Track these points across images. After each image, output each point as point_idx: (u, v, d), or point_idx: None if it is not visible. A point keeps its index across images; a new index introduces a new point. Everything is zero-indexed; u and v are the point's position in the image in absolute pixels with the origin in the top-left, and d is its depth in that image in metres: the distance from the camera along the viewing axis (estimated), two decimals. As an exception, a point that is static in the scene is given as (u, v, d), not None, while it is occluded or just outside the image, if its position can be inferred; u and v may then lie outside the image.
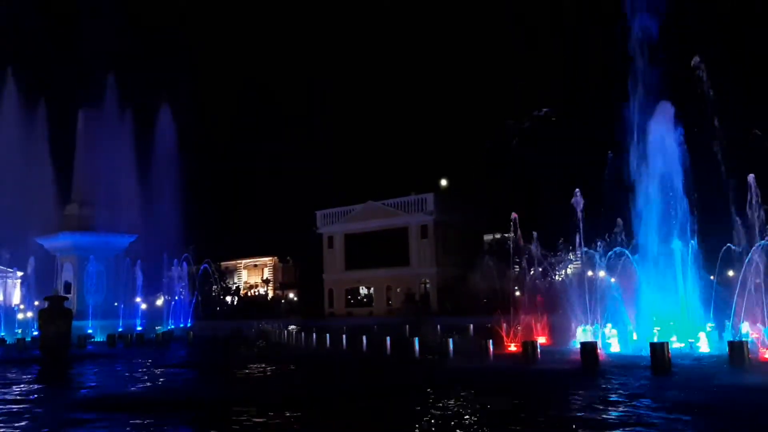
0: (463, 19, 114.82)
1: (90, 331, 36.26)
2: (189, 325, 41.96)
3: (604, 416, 10.96)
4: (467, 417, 11.27)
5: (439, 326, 36.21)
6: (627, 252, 24.15)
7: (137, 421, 11.38)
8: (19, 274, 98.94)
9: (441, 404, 12.52)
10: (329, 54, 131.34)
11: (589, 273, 26.46)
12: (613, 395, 13.00)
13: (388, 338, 22.99)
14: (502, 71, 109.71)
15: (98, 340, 35.03)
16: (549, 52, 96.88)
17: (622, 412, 11.30)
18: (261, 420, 11.29)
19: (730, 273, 23.68)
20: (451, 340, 21.05)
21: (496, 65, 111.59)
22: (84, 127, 42.27)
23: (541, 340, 22.82)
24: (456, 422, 10.75)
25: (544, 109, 66.67)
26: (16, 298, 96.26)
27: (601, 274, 25.90)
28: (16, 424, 11.49)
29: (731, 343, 16.67)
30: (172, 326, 40.94)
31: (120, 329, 35.74)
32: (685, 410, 10.93)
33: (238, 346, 32.43)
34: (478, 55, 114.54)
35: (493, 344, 19.93)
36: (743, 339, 17.26)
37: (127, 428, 11.01)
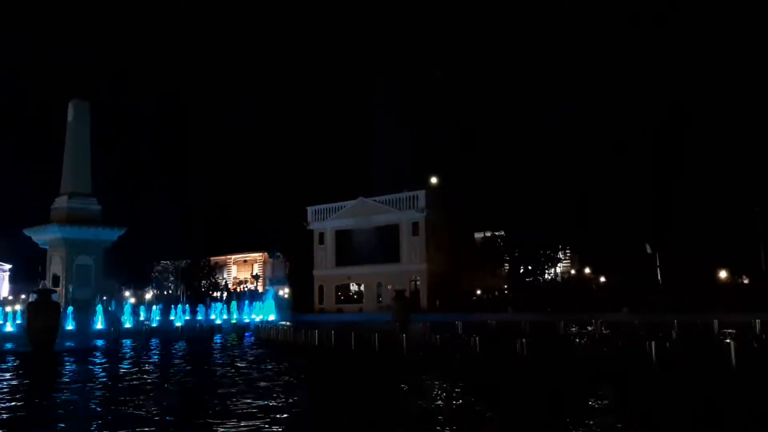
0: (456, 18, 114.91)
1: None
2: (178, 319, 41.73)
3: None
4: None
5: (429, 323, 36.21)
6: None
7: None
8: (7, 267, 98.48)
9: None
10: (321, 49, 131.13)
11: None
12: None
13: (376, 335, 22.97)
14: (497, 69, 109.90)
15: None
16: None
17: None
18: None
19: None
20: (438, 337, 21.07)
21: (491, 63, 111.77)
22: (74, 118, 41.90)
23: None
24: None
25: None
26: (4, 290, 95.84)
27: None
28: None
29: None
30: (161, 321, 40.69)
31: (108, 323, 35.46)
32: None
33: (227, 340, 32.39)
34: (472, 51, 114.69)
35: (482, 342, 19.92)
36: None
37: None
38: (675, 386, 14.52)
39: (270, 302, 50.96)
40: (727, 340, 18.44)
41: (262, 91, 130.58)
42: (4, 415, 11.70)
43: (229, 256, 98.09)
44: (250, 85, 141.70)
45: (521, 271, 66.11)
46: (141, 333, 34.81)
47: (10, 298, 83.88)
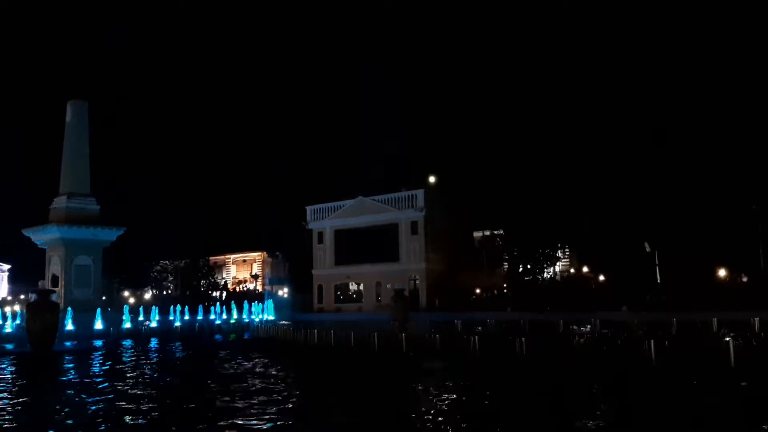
0: (456, 17, 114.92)
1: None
2: (177, 319, 41.70)
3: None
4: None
5: (428, 322, 36.23)
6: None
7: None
8: (6, 267, 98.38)
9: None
10: (319, 49, 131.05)
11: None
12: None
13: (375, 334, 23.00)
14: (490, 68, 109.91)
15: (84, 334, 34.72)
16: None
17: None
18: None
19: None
20: (438, 336, 21.08)
21: (491, 62, 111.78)
22: (72, 118, 41.84)
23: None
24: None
25: None
26: (3, 290, 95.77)
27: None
28: None
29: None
30: (160, 321, 40.65)
31: (107, 324, 35.40)
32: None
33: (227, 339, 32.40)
34: (472, 50, 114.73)
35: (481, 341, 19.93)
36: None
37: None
38: (673, 385, 14.54)
39: (269, 302, 50.93)
40: (726, 339, 18.43)
41: (261, 91, 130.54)
42: (3, 417, 11.70)
43: (228, 256, 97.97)
44: (250, 83, 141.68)
45: (520, 270, 66.08)
46: (140, 333, 34.77)
47: (9, 298, 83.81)
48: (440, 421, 10.63)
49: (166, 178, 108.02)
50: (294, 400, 13.15)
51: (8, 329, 33.51)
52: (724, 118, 64.81)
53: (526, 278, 64.86)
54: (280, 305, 69.16)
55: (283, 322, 42.99)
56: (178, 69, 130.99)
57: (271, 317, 48.26)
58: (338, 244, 71.65)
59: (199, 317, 43.42)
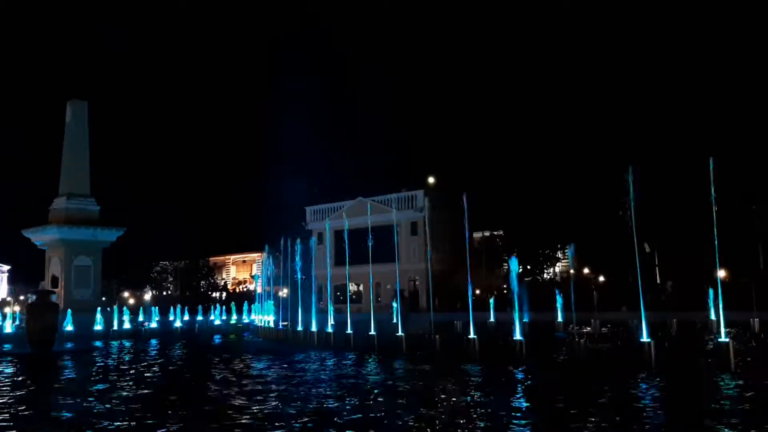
0: (457, 18, 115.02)
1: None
2: (177, 320, 41.75)
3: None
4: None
5: (428, 322, 36.19)
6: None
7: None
8: (5, 268, 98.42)
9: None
10: (320, 50, 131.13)
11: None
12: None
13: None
14: (489, 69, 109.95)
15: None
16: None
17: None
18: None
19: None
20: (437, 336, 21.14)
21: (491, 63, 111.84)
22: (72, 119, 41.89)
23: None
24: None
25: None
26: (2, 291, 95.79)
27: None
28: None
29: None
30: (160, 321, 40.70)
31: (107, 324, 35.41)
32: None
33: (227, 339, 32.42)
34: (473, 51, 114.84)
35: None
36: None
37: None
38: (671, 385, 14.56)
39: (269, 303, 50.93)
40: (725, 339, 18.44)
41: (261, 90, 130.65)
42: (2, 417, 11.72)
43: (228, 257, 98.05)
44: (250, 83, 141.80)
45: (520, 270, 66.07)
46: (140, 334, 34.80)
47: (9, 299, 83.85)
48: (440, 422, 10.65)
49: (166, 178, 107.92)
50: (291, 399, 13.15)
51: (8, 330, 33.54)
52: (723, 118, 64.91)
53: (526, 279, 64.89)
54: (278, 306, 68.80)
55: (284, 322, 43.03)
56: (178, 69, 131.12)
57: (271, 318, 48.26)
58: (338, 244, 71.70)
59: (199, 318, 43.45)
